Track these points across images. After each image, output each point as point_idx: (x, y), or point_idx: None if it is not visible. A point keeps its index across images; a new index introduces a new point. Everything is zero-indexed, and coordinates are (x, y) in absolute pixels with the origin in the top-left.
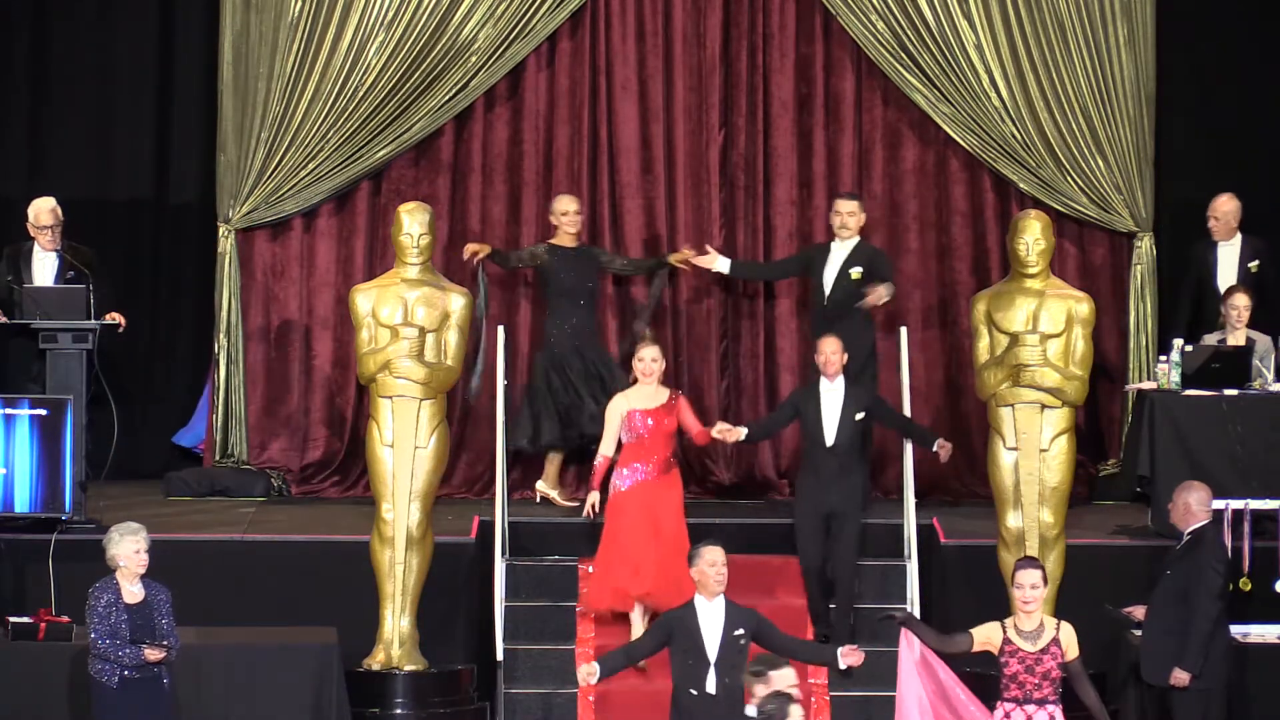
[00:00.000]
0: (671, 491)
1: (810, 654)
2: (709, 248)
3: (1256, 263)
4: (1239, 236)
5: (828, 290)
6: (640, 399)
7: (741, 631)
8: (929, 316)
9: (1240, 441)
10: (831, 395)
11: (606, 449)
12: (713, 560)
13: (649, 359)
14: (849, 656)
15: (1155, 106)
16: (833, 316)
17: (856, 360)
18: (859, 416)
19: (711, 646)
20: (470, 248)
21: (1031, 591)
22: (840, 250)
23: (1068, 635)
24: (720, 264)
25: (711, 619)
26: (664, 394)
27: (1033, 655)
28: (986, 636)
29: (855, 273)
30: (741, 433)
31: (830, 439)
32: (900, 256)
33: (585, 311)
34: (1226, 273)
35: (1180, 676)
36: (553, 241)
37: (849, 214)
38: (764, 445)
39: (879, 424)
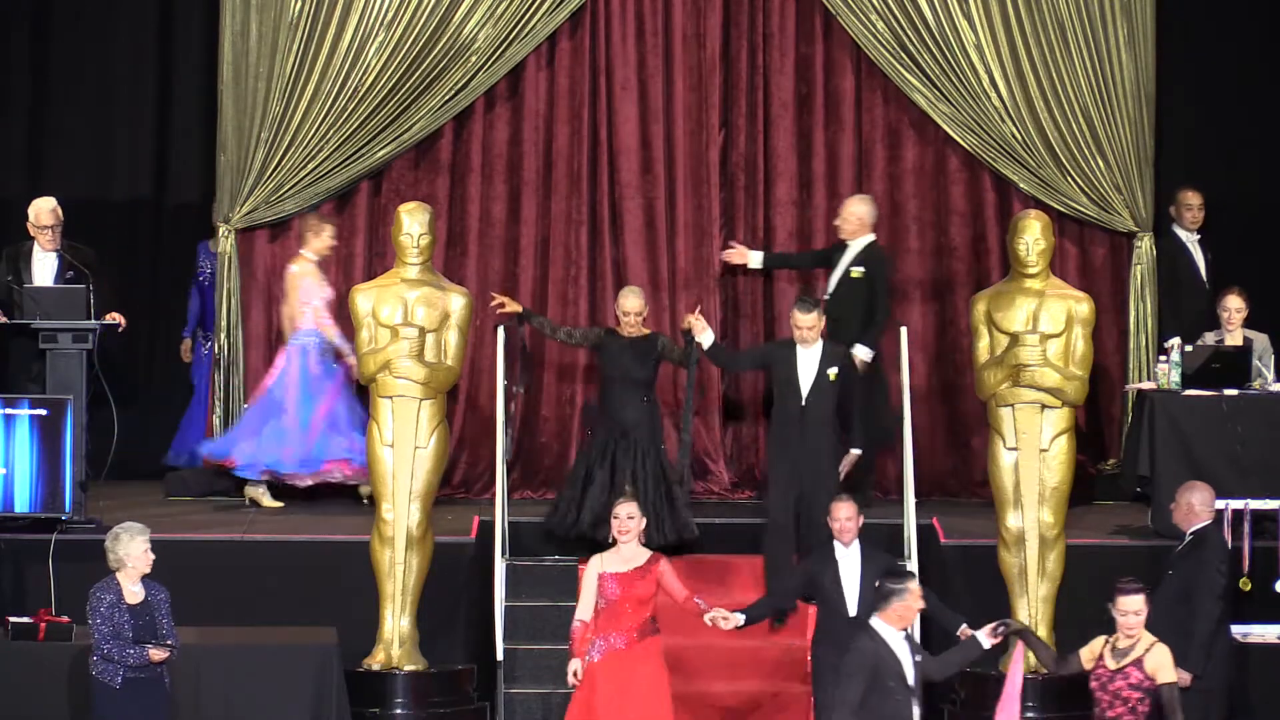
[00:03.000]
0: (647, 664)
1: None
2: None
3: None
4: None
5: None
6: (614, 561)
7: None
8: (929, 316)
9: (1240, 441)
10: (849, 560)
11: (583, 613)
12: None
13: (624, 516)
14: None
15: (1155, 106)
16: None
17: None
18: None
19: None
20: (498, 299)
21: (1135, 619)
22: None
23: (1156, 658)
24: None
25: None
26: (643, 555)
27: (1108, 672)
28: (1091, 652)
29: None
30: (739, 620)
31: (854, 609)
32: (900, 256)
33: (638, 402)
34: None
35: (1183, 676)
36: (614, 328)
37: (808, 328)
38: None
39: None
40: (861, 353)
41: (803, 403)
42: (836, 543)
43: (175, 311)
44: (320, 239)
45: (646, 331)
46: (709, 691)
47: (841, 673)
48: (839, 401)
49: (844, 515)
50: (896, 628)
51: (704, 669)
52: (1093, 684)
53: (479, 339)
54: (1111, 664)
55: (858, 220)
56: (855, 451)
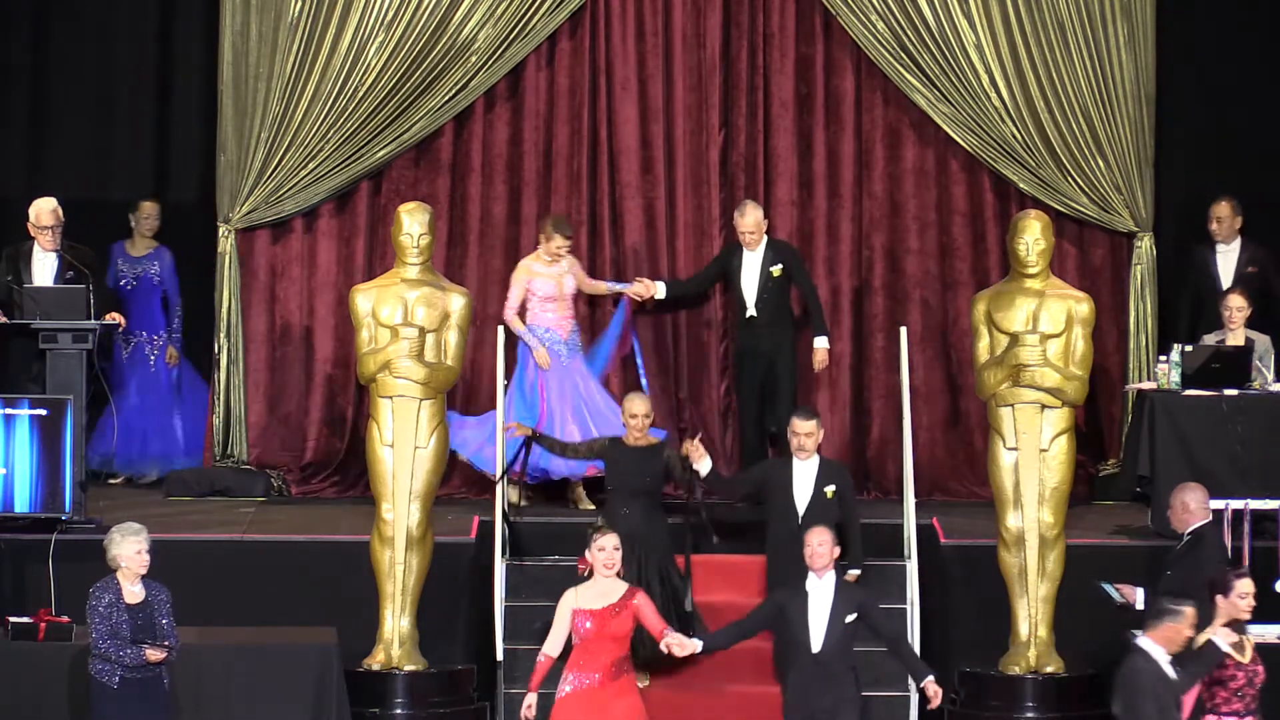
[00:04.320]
0: (623, 700)
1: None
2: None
3: (1253, 269)
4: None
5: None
6: (589, 597)
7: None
8: (929, 316)
9: (1240, 441)
10: (820, 592)
11: (550, 648)
12: (794, 430)
13: (610, 548)
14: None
15: (1155, 106)
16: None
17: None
18: (850, 619)
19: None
20: (511, 427)
21: (1252, 601)
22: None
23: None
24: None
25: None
26: (619, 590)
27: (1250, 667)
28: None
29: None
30: (696, 645)
31: (817, 645)
32: (900, 256)
33: (645, 511)
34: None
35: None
36: (620, 438)
37: (806, 434)
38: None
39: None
40: (823, 343)
41: (799, 521)
42: (810, 574)
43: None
44: (550, 243)
45: (653, 440)
46: (707, 691)
47: (1124, 693)
48: (838, 520)
49: (815, 541)
50: (1165, 650)
51: (703, 670)
52: (1238, 680)
53: (479, 339)
54: (1247, 656)
55: (757, 225)
56: (854, 572)
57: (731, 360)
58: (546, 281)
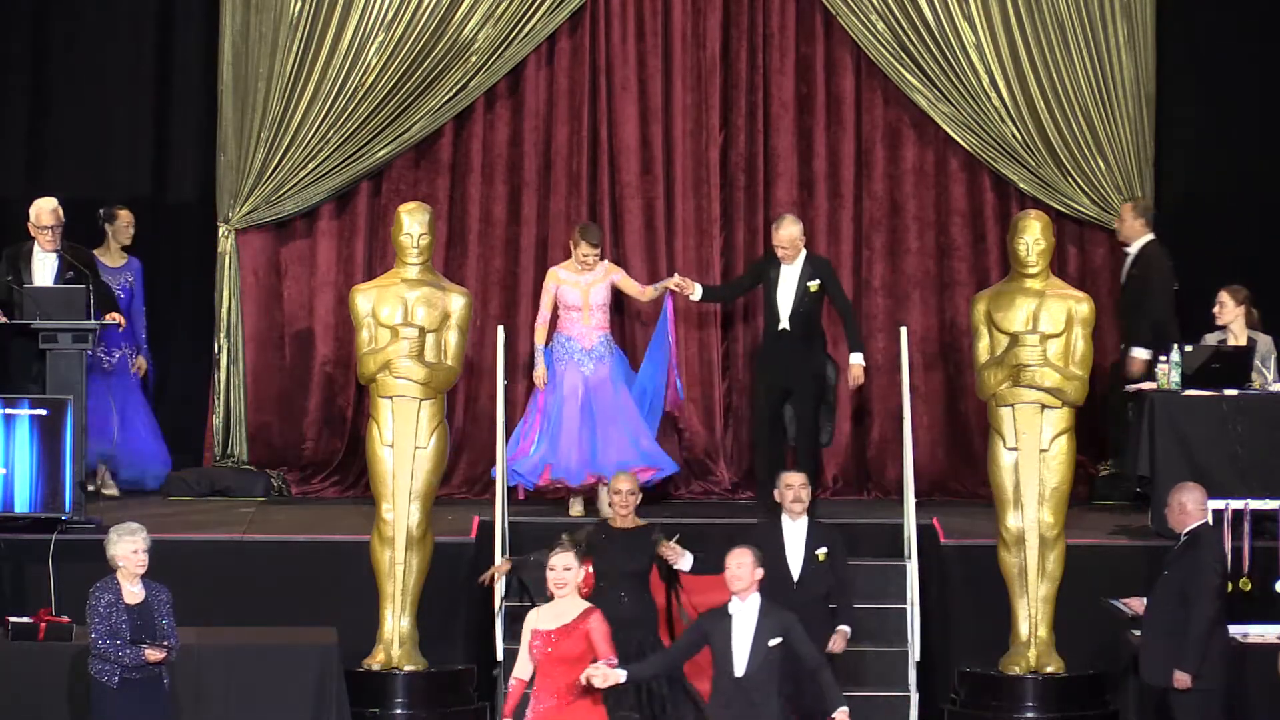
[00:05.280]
0: None
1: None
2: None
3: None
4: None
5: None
6: (546, 617)
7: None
8: (929, 316)
9: (1240, 441)
10: (744, 615)
11: (519, 670)
12: (789, 483)
13: (560, 568)
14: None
15: (1155, 106)
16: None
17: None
18: (773, 643)
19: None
20: (487, 575)
21: None
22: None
23: None
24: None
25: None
26: (575, 610)
27: None
28: None
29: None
30: (620, 676)
31: (740, 669)
32: (900, 256)
33: (638, 592)
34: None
35: (1181, 678)
36: (606, 520)
37: (800, 484)
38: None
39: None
40: (859, 359)
41: (793, 586)
42: (733, 598)
43: (175, 312)
44: (577, 250)
45: (640, 522)
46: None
47: None
48: (832, 582)
49: (734, 564)
50: None
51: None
52: None
53: (479, 339)
54: None
55: (791, 241)
56: (844, 629)
57: (753, 367)
58: (572, 290)
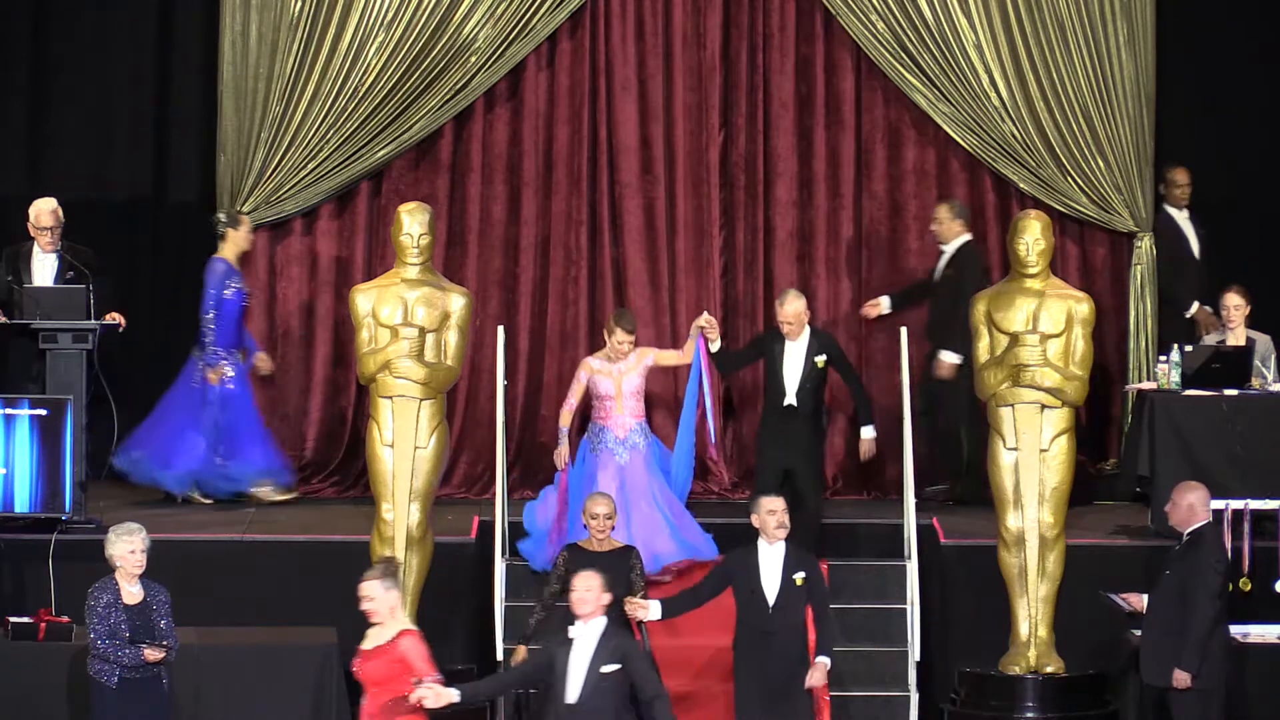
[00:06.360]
0: None
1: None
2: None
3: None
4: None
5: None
6: (370, 636)
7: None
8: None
9: (1240, 441)
10: (583, 641)
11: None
12: (771, 508)
13: (364, 596)
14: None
15: (1155, 106)
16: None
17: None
18: (608, 669)
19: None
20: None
21: None
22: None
23: None
24: (884, 304)
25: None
26: (391, 631)
27: None
28: None
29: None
30: (453, 695)
31: (573, 695)
32: (900, 256)
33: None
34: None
35: (1181, 677)
36: (580, 543)
37: (782, 511)
38: None
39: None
40: (870, 433)
41: (769, 611)
42: (576, 621)
43: (175, 311)
44: (612, 337)
45: (618, 544)
46: None
47: None
48: (809, 605)
49: (582, 587)
50: None
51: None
52: None
53: (479, 339)
54: None
55: (797, 317)
56: (824, 660)
57: (756, 443)
58: (604, 379)
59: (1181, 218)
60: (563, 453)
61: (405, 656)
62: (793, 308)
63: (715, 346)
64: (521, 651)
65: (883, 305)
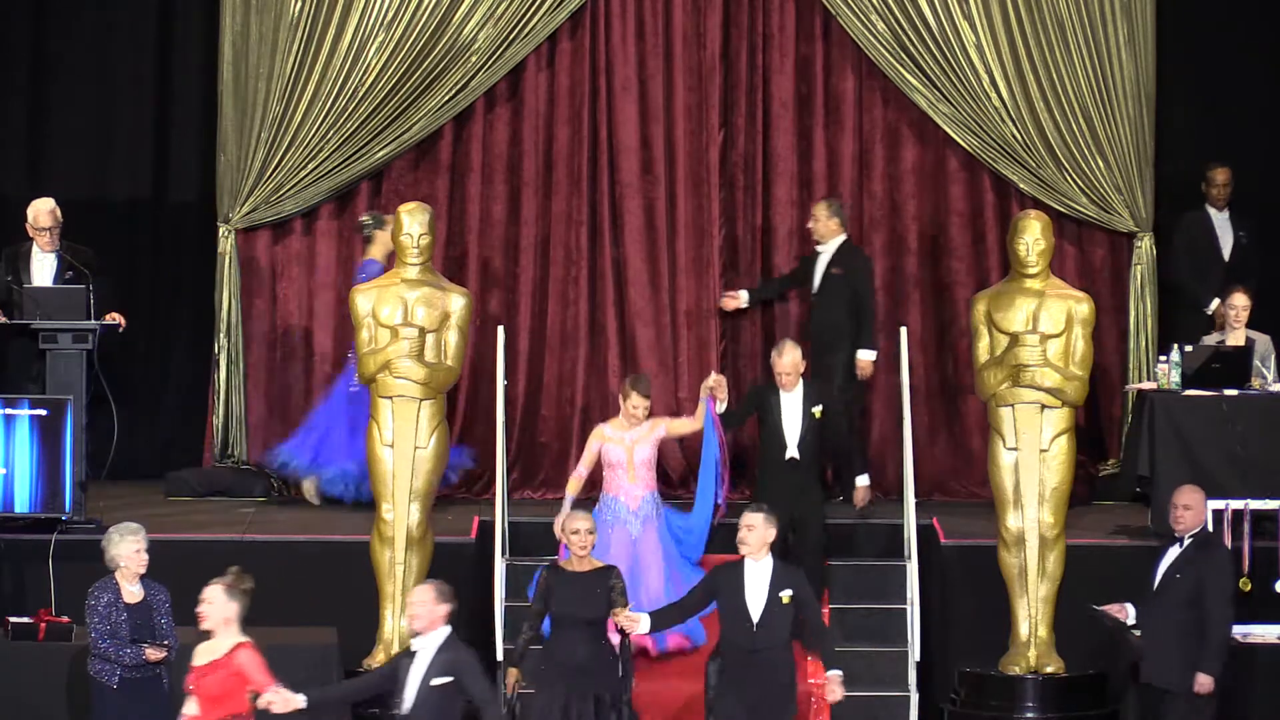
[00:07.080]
0: None
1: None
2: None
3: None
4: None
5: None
6: (202, 652)
7: (789, 592)
8: (928, 316)
9: (1240, 441)
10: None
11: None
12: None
13: (203, 599)
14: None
15: (1155, 106)
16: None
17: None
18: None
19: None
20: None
21: None
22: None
23: None
24: (742, 298)
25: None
26: (226, 645)
27: None
28: None
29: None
30: (299, 701)
31: (406, 706)
32: (900, 256)
33: (590, 640)
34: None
35: (1204, 681)
36: (560, 563)
37: (760, 540)
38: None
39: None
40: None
41: (753, 629)
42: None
43: (175, 311)
44: (626, 402)
45: (599, 564)
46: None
47: None
48: (800, 622)
49: (417, 601)
50: None
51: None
52: None
53: (479, 339)
54: None
55: (795, 367)
56: (836, 673)
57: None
58: (616, 448)
59: (1220, 218)
60: (560, 521)
61: (243, 669)
62: (790, 358)
63: (723, 407)
64: (513, 673)
65: (741, 299)
